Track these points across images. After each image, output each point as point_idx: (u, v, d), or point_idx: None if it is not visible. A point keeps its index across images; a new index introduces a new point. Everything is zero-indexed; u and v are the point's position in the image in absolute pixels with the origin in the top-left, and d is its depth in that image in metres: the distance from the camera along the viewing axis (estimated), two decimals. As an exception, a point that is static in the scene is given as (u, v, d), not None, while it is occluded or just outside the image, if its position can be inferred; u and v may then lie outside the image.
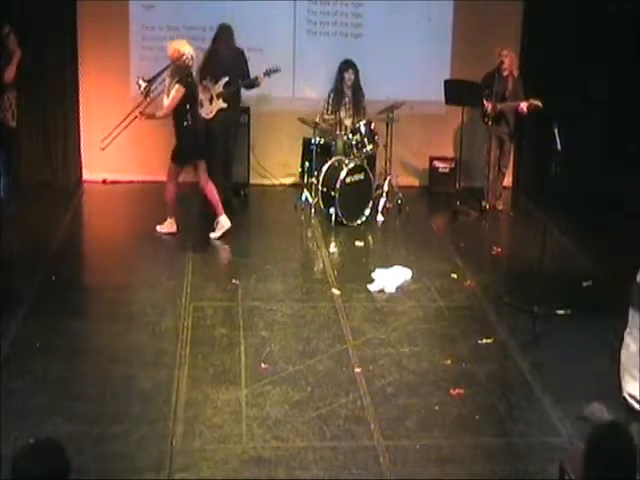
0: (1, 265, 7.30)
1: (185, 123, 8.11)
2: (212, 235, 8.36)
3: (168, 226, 8.44)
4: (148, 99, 8.24)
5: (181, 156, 8.25)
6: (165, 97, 8.07)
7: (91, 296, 7.18)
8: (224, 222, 8.38)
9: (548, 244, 6.87)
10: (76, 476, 3.23)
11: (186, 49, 7.99)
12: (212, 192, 8.38)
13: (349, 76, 9.36)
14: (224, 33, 9.16)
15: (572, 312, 6.80)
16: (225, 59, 9.11)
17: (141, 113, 8.20)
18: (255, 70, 9.17)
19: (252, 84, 9.21)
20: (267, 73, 9.04)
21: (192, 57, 8.04)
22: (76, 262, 8.03)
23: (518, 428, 5.35)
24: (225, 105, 9.09)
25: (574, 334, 6.52)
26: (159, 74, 8.19)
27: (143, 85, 8.09)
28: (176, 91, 7.95)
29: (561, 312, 6.81)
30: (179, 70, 8.00)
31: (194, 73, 8.32)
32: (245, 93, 9.51)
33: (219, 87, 9.05)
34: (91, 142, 9.81)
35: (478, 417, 5.43)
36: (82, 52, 9.61)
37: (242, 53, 9.22)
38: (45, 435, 4.66)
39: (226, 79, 9.03)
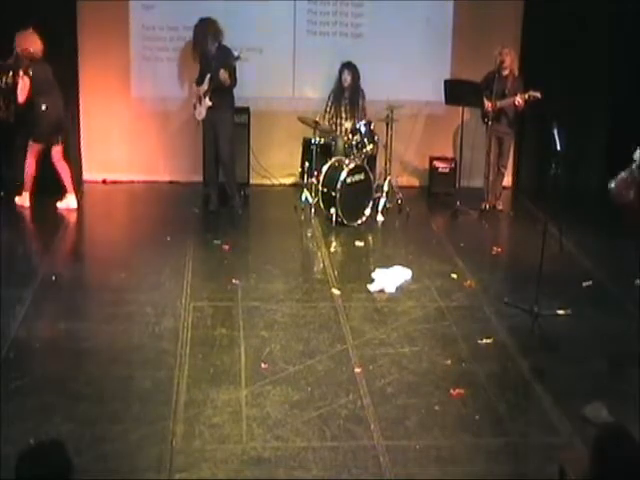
0: (1, 265, 7.30)
1: (42, 108, 8.66)
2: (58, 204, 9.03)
3: (23, 199, 9.03)
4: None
5: (37, 134, 8.83)
6: (20, 83, 8.57)
7: (91, 296, 7.17)
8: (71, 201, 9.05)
9: (548, 244, 6.87)
10: (76, 476, 3.23)
11: (32, 40, 8.51)
12: (64, 169, 9.02)
13: (345, 77, 9.36)
14: (204, 28, 8.94)
15: (572, 312, 6.80)
16: (213, 56, 8.91)
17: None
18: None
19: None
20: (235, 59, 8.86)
21: (40, 48, 8.56)
22: (76, 262, 8.03)
23: (518, 428, 5.34)
24: (210, 103, 8.93)
25: (574, 334, 6.52)
26: (7, 64, 8.63)
27: None
28: (23, 81, 8.54)
29: (561, 312, 6.81)
30: (25, 60, 8.52)
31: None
32: (245, 93, 9.45)
33: (205, 86, 8.95)
34: (91, 142, 9.82)
35: (478, 417, 5.43)
36: (82, 52, 9.61)
37: (224, 47, 8.94)
38: (45, 435, 4.70)
39: (209, 76, 8.87)
